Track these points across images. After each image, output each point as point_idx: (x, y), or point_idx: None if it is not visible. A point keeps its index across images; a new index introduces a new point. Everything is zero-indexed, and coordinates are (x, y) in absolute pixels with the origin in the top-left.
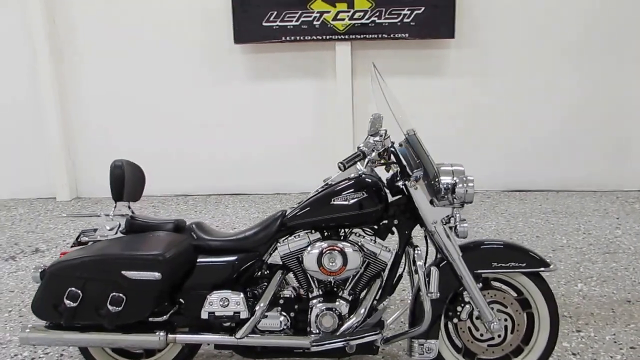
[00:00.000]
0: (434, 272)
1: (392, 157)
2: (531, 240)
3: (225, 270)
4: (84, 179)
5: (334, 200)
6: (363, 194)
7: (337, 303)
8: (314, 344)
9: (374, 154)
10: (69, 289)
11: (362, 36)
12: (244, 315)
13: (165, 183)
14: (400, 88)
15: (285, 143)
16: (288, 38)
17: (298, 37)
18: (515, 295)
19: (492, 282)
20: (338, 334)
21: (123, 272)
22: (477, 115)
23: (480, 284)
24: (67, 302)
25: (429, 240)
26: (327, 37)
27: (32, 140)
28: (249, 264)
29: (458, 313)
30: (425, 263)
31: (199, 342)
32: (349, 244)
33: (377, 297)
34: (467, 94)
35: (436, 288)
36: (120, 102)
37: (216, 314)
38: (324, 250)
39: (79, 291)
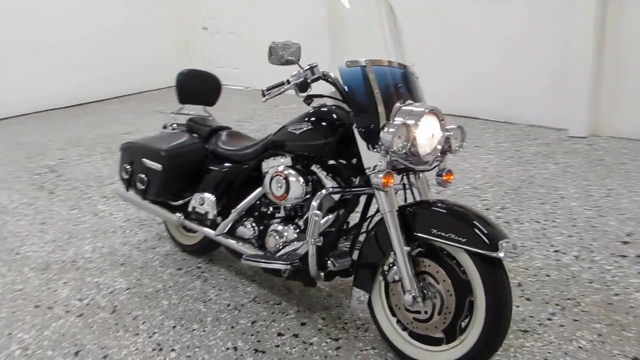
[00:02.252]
0: (313, 217)
1: (338, 92)
2: None
3: (218, 175)
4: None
5: (289, 128)
6: (309, 126)
7: (286, 227)
8: (245, 257)
9: (289, 84)
10: (124, 164)
11: None
12: (211, 215)
13: None
14: None
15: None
16: None
17: None
18: (463, 275)
19: (444, 253)
20: (276, 255)
21: (143, 159)
22: None
23: (409, 247)
24: (123, 174)
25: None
26: None
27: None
28: (236, 174)
29: (385, 273)
30: (320, 207)
31: (193, 228)
32: (297, 174)
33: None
34: None
35: (314, 234)
36: None
37: (195, 209)
38: (274, 175)
39: (130, 168)
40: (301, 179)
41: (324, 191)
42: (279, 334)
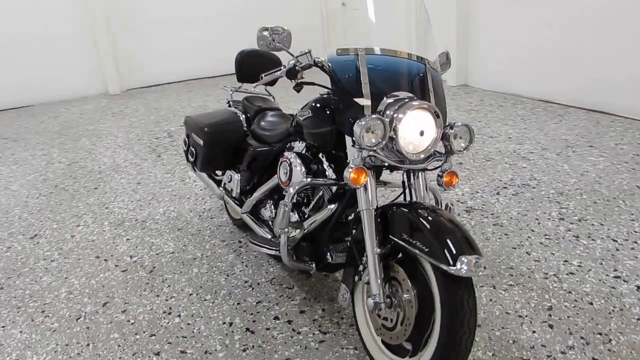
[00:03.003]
0: (282, 208)
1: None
2: None
3: (250, 155)
4: None
5: (299, 113)
6: (309, 113)
7: (291, 214)
8: (250, 240)
9: (279, 72)
10: (184, 137)
11: None
12: (234, 193)
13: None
14: None
15: None
16: None
17: None
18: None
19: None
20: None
21: (193, 133)
22: None
23: (381, 249)
24: (183, 145)
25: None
26: None
27: None
28: (265, 155)
29: (361, 273)
30: (291, 200)
31: (227, 202)
32: (301, 161)
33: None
34: None
35: (282, 225)
36: None
37: (225, 186)
38: (282, 160)
39: (187, 140)
40: (302, 167)
41: (308, 180)
42: (275, 318)
